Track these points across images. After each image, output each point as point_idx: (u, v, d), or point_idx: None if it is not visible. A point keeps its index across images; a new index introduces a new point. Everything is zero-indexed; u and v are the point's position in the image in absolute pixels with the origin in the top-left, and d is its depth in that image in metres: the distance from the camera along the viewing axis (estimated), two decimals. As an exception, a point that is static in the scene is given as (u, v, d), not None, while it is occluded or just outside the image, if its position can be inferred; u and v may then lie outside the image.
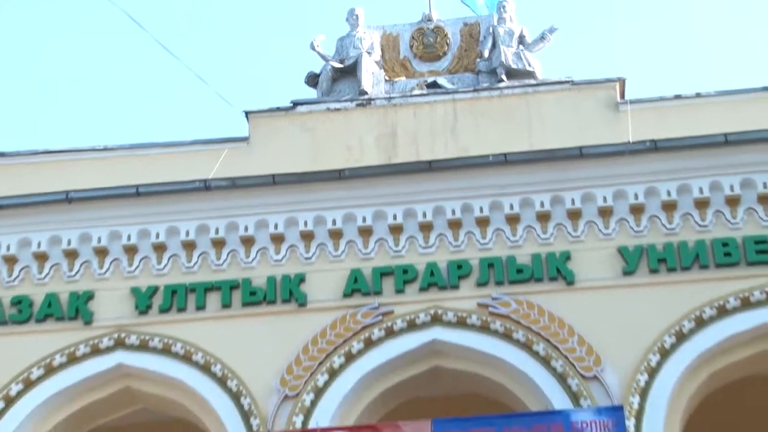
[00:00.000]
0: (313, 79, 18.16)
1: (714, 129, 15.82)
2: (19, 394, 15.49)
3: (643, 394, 14.64)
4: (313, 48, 18.15)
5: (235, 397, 15.24)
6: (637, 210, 15.63)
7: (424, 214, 15.91)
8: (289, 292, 15.80)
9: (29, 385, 15.52)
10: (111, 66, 42.80)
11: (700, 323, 14.91)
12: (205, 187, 16.17)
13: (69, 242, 16.25)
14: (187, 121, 42.92)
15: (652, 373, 14.73)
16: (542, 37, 17.87)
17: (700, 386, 15.00)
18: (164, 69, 43.27)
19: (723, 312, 14.94)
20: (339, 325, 15.51)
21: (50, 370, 15.60)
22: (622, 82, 17.32)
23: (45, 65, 42.92)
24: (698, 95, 17.14)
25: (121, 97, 43.58)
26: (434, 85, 18.02)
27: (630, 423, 14.41)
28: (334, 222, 16.03)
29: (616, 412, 14.37)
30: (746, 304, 14.96)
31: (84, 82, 42.90)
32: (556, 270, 15.50)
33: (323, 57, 18.10)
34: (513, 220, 15.79)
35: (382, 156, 16.97)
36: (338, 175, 16.09)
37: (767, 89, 17.10)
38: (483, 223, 15.83)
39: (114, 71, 42.27)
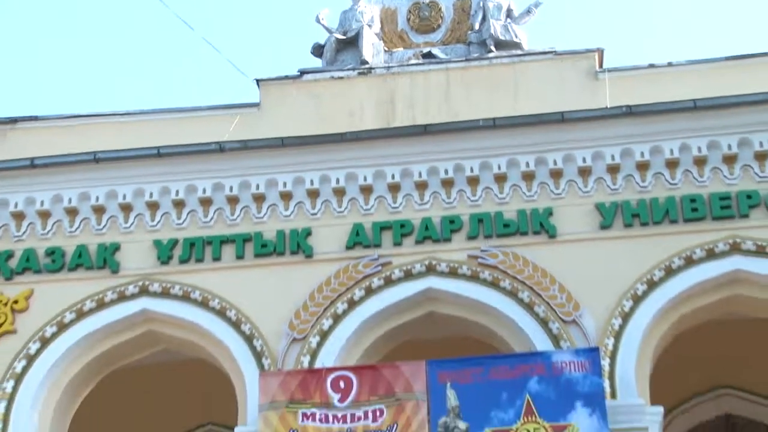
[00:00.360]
0: (318, 50, 18.16)
1: (684, 95, 15.77)
2: (54, 335, 15.59)
3: (617, 336, 14.71)
4: (318, 21, 18.18)
5: (248, 339, 15.35)
6: (613, 169, 15.65)
7: (420, 174, 15.96)
8: (297, 244, 15.84)
9: (62, 327, 15.63)
10: (133, 36, 43.13)
11: (669, 272, 14.96)
12: (220, 148, 16.20)
13: (97, 199, 16.28)
14: (201, 87, 43.27)
15: (626, 317, 14.80)
16: (528, 11, 17.90)
17: (669, 328, 15.04)
18: (181, 40, 43.43)
19: (690, 262, 14.99)
20: (342, 275, 15.59)
21: (81, 315, 15.71)
22: (600, 52, 17.30)
23: (70, 37, 43.29)
24: (670, 64, 17.05)
25: (141, 65, 43.88)
26: (429, 55, 18.03)
27: (605, 362, 14.46)
28: (337, 181, 16.08)
29: (592, 353, 14.39)
30: (711, 254, 15.00)
31: (106, 51, 43.18)
32: (540, 224, 15.51)
33: (327, 29, 18.14)
34: (500, 179, 15.83)
35: (381, 120, 17.03)
36: (341, 138, 16.12)
37: (731, 59, 17.04)
38: (473, 181, 15.87)
39: (135, 41, 42.62)
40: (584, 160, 15.74)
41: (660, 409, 14.57)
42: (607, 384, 14.34)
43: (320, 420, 14.51)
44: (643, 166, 15.64)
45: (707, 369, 18.14)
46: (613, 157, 15.69)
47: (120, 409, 18.39)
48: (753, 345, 17.60)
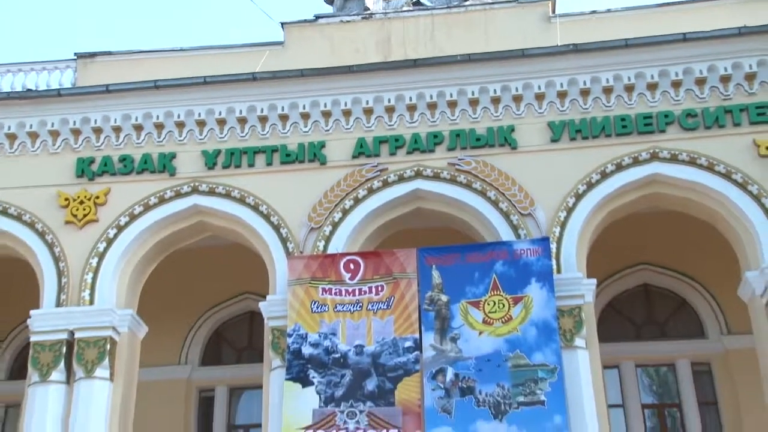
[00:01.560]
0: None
1: (618, 35, 15.79)
2: (126, 224, 15.71)
3: (563, 225, 14.89)
4: (330, -25, 18.11)
5: (276, 228, 15.49)
6: (561, 95, 15.65)
7: (410, 98, 15.93)
8: (314, 154, 15.88)
9: (133, 218, 15.76)
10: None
11: (604, 175, 15.07)
12: (253, 78, 16.16)
13: (157, 117, 16.29)
14: (237, 28, 43.16)
15: (570, 211, 14.96)
16: (496, -33, 17.81)
17: (602, 219, 15.19)
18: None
19: (620, 167, 15.09)
20: (349, 178, 15.66)
21: (147, 208, 15.82)
22: (553, 1, 17.43)
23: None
24: (609, 10, 17.17)
25: (190, 10, 43.67)
26: (418, 3, 18.12)
27: (553, 246, 14.65)
28: (345, 104, 16.04)
29: (544, 242, 14.58)
30: (636, 161, 15.08)
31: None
32: (504, 138, 15.56)
33: (338, -18, 18.11)
34: (473, 102, 15.82)
35: (379, 56, 17.24)
36: (348, 70, 16.07)
37: (660, 5, 17.16)
38: (452, 105, 15.86)
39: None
40: (539, 87, 15.73)
41: (593, 281, 14.78)
42: (554, 263, 14.54)
43: (335, 293, 14.76)
44: (585, 93, 15.65)
45: (630, 250, 18.32)
46: (561, 85, 15.69)
47: (177, 281, 18.60)
48: (666, 231, 17.88)
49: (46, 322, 15.17)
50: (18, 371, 19.25)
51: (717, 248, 16.08)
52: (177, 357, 19.29)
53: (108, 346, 15.00)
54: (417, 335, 14.45)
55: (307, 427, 13.97)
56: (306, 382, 14.25)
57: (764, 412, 14.50)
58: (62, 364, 14.85)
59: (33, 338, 15.15)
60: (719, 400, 17.96)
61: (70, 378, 14.89)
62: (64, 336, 15.02)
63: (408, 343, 14.38)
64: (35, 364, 14.89)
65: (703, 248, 17.40)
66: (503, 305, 14.34)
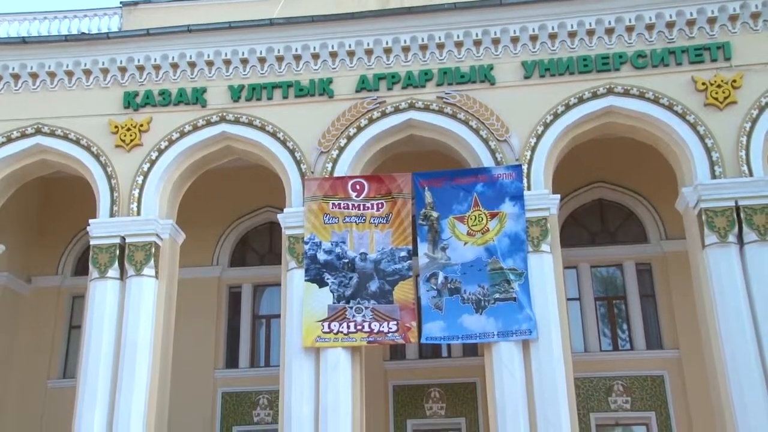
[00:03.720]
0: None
1: None
2: (166, 147, 15.69)
3: (533, 149, 14.93)
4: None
5: (291, 151, 15.51)
6: (533, 38, 15.50)
7: (405, 41, 15.77)
8: (323, 89, 15.76)
9: (171, 142, 15.72)
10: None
11: (568, 107, 15.09)
12: (271, 23, 16.01)
13: (190, 57, 16.16)
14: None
15: (539, 137, 14.98)
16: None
17: (566, 144, 15.27)
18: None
19: (581, 100, 15.10)
20: (353, 110, 15.60)
21: (182, 134, 15.72)
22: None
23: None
24: None
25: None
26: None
27: (524, 167, 14.67)
28: (349, 45, 15.88)
29: (517, 168, 14.65)
30: (594, 95, 15.10)
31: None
32: (484, 75, 15.45)
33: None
34: (459, 44, 15.67)
35: (379, 3, 16.72)
36: (352, 16, 15.91)
37: None
38: (440, 46, 15.71)
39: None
40: (514, 32, 15.61)
41: (557, 197, 14.93)
42: (525, 183, 14.62)
43: (344, 207, 14.92)
44: (553, 36, 15.55)
45: (589, 170, 18.45)
46: (533, 30, 15.55)
47: (209, 196, 18.73)
48: (618, 154, 18.01)
49: (102, 229, 15.34)
50: (81, 269, 19.62)
51: (660, 168, 16.18)
52: (210, 259, 19.62)
53: (153, 250, 15.23)
54: (410, 247, 14.66)
55: (324, 320, 14.36)
56: (322, 283, 14.56)
57: (693, 302, 14.86)
58: (116, 263, 15.09)
59: (92, 242, 15.35)
60: (657, 293, 18.38)
61: (123, 275, 15.13)
62: (117, 241, 15.21)
63: (403, 253, 14.66)
64: (95, 263, 15.16)
65: (649, 168, 17.49)
66: (482, 219, 14.51)
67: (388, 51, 15.86)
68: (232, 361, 19.17)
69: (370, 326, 14.28)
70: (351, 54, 15.94)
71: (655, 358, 17.87)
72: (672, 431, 17.39)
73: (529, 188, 14.66)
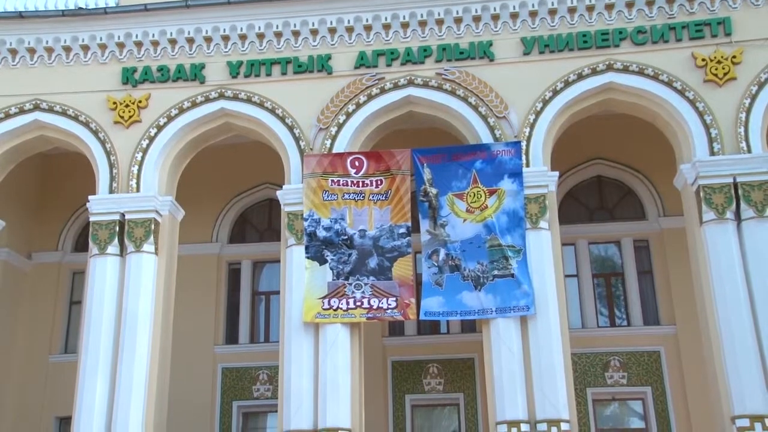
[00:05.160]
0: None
1: None
2: (164, 124, 15.56)
3: (532, 126, 14.81)
4: None
5: (290, 128, 15.37)
6: (533, 14, 15.33)
7: (404, 17, 15.61)
8: (322, 65, 15.61)
9: (170, 119, 15.59)
10: None
11: (567, 84, 14.94)
12: None
13: (189, 33, 15.99)
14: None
15: (538, 114, 14.86)
16: None
17: (565, 121, 15.05)
18: None
19: (580, 77, 14.97)
20: (352, 86, 15.45)
21: (181, 111, 15.66)
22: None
23: None
24: None
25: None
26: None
27: (523, 144, 14.60)
28: (348, 21, 15.73)
29: (516, 144, 14.53)
30: (594, 72, 14.96)
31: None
32: (483, 52, 15.32)
33: None
34: (458, 20, 15.52)
35: None
36: None
37: None
38: (440, 22, 15.55)
39: None
40: (514, 7, 15.44)
41: (556, 173, 14.86)
42: (524, 160, 14.55)
43: (343, 184, 14.86)
44: (552, 12, 15.38)
45: (587, 146, 18.39)
46: (533, 6, 15.39)
47: (208, 173, 18.70)
48: (617, 131, 17.97)
49: (101, 205, 15.30)
50: (81, 245, 19.61)
51: (658, 145, 16.12)
52: (209, 236, 19.60)
53: (152, 226, 15.19)
54: (409, 223, 14.62)
55: (324, 296, 14.36)
56: (322, 260, 14.56)
57: (690, 279, 14.89)
58: (116, 240, 15.07)
59: (92, 218, 15.31)
60: (654, 270, 18.40)
61: (123, 251, 15.12)
62: (116, 217, 15.18)
63: (402, 230, 14.62)
64: (95, 240, 15.15)
65: (647, 145, 17.43)
66: (480, 196, 14.46)
67: (387, 27, 15.74)
68: (232, 337, 19.23)
69: (369, 302, 14.29)
70: (350, 30, 15.79)
71: (652, 334, 17.94)
72: (667, 406, 17.50)
73: (527, 165, 14.60)
